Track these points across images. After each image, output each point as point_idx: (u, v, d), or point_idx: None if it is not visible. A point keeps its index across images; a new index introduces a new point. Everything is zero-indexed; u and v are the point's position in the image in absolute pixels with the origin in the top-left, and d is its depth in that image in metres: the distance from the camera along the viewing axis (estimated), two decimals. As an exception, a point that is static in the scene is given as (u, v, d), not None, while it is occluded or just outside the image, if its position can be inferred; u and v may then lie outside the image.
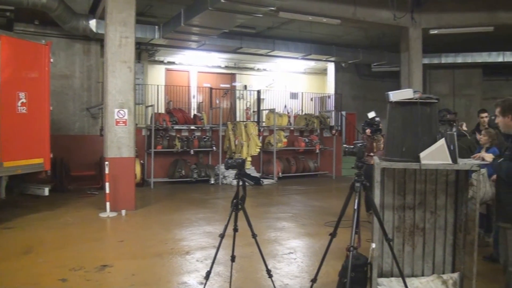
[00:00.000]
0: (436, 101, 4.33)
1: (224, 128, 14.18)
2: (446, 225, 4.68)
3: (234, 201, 4.28)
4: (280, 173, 14.61)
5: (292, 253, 6.33)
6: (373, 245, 4.11)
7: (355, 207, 3.77)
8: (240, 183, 4.29)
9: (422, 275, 4.68)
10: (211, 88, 15.96)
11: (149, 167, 12.88)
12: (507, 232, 3.98)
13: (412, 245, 4.69)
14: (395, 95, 4.26)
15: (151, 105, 13.28)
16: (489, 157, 4.20)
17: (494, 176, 4.34)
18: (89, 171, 12.14)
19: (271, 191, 12.55)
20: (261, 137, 14.67)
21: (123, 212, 8.77)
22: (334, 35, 15.81)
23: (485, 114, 7.46)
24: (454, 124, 8.24)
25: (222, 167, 13.37)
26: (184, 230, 7.62)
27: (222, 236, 4.28)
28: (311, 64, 18.76)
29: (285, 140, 14.98)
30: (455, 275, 4.52)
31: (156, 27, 13.02)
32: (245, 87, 18.47)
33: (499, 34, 14.52)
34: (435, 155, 4.12)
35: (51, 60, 9.04)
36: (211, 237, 7.02)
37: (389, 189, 4.65)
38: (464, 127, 7.55)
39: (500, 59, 17.41)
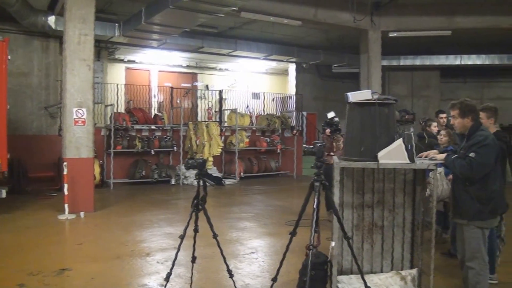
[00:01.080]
0: (394, 102, 4.42)
1: (185, 128, 14.05)
2: (404, 222, 4.79)
3: (195, 201, 4.24)
4: (242, 173, 14.61)
5: (253, 252, 6.33)
6: (333, 244, 4.16)
7: (315, 206, 3.81)
8: (201, 183, 4.26)
9: (381, 271, 4.77)
10: (172, 88, 15.79)
11: (109, 168, 12.62)
12: (463, 228, 4.14)
13: (371, 242, 4.78)
14: (353, 96, 4.34)
15: (111, 105, 13.01)
16: (440, 157, 4.35)
17: (451, 176, 4.48)
18: (48, 172, 11.80)
19: (233, 191, 12.53)
20: (223, 137, 14.62)
21: (82, 214, 8.56)
22: (296, 36, 15.94)
23: (444, 115, 7.67)
24: (421, 123, 8.42)
25: (183, 167, 13.25)
26: (145, 231, 7.50)
27: (182, 237, 4.24)
28: (273, 64, 18.85)
29: (247, 140, 14.99)
30: (414, 271, 4.64)
31: (116, 24, 12.76)
32: (207, 86, 18.36)
33: (457, 38, 15.04)
34: (393, 154, 4.21)
35: (9, 57, 8.70)
36: (172, 238, 6.94)
37: (348, 188, 4.73)
38: (433, 127, 7.72)
39: (457, 62, 18.01)
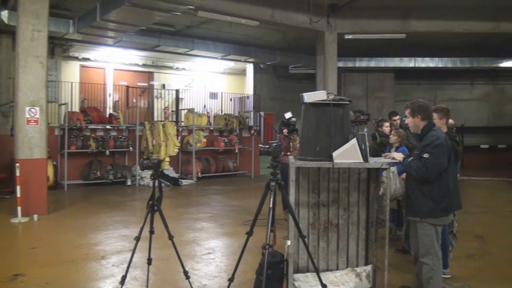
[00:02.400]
0: (348, 102, 4.51)
1: (141, 128, 13.83)
2: (358, 220, 4.89)
3: (150, 202, 4.19)
4: (199, 173, 14.52)
5: (210, 253, 6.31)
6: (289, 242, 4.20)
7: (270, 206, 3.83)
8: (157, 184, 4.20)
9: (337, 269, 4.85)
10: (127, 87, 15.50)
11: (63, 169, 12.24)
12: (416, 225, 4.25)
13: (327, 240, 4.85)
14: (309, 97, 4.39)
15: (65, 104, 12.63)
16: (399, 156, 4.44)
17: (404, 175, 4.60)
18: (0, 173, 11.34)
19: (190, 192, 12.44)
20: (179, 137, 14.48)
21: (35, 217, 8.27)
22: (253, 36, 15.99)
23: (397, 117, 7.88)
24: (374, 123, 8.59)
25: (139, 168, 13.02)
26: (100, 234, 7.33)
27: (137, 238, 4.17)
28: (231, 64, 18.84)
29: (204, 140, 14.91)
30: (368, 268, 4.74)
31: (71, 21, 12.39)
32: (164, 86, 18.14)
33: (411, 41, 15.50)
34: (347, 154, 4.29)
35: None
36: (127, 241, 6.81)
37: (304, 187, 4.78)
38: (385, 127, 7.88)
39: (411, 64, 18.55)
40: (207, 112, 16.81)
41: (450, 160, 4.21)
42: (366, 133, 4.36)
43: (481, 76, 21.00)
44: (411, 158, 4.25)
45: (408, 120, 4.35)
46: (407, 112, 4.35)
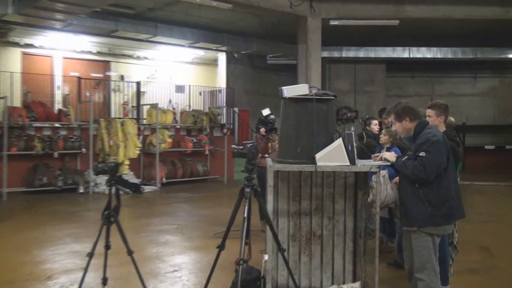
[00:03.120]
0: (333, 97, 4.59)
1: (96, 126, 13.70)
2: (345, 231, 4.98)
3: (106, 212, 4.18)
4: (164, 179, 14.46)
5: (176, 270, 6.31)
6: (266, 257, 4.25)
7: (245, 215, 3.87)
8: (114, 191, 4.20)
9: (321, 286, 4.93)
10: (80, 78, 15.32)
11: (1, 174, 12.04)
12: (411, 235, 4.27)
13: (309, 254, 4.92)
14: (288, 91, 4.45)
15: (3, 97, 12.43)
16: (391, 156, 4.47)
17: (396, 179, 4.67)
18: None
19: (153, 200, 12.39)
20: (141, 137, 14.40)
21: (-34, 230, 8.13)
22: (226, 21, 16.00)
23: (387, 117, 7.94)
24: (361, 122, 8.68)
25: (93, 172, 12.90)
26: (46, 250, 7.25)
27: (90, 255, 4.16)
28: (200, 53, 18.80)
29: (169, 140, 14.85)
30: (357, 285, 4.82)
31: (10, 0, 12.19)
32: (122, 77, 17.99)
33: (405, 28, 15.60)
34: (332, 156, 4.37)
35: None
36: (79, 257, 6.75)
37: (284, 194, 4.84)
38: (374, 125, 7.99)
39: (405, 55, 18.76)
40: (173, 108, 16.75)
41: (449, 161, 4.29)
42: (353, 133, 4.44)
43: (485, 68, 21.39)
44: (406, 157, 4.30)
45: (396, 126, 4.42)
46: (391, 118, 4.42)
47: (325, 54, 17.29)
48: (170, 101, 17.30)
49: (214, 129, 16.39)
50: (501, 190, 15.08)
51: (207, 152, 15.84)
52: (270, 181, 4.40)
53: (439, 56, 18.75)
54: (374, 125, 7.97)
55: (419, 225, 4.19)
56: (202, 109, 17.25)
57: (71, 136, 13.40)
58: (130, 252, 4.25)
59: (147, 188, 13.64)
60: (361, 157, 5.36)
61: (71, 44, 16.60)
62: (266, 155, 7.83)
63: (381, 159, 4.58)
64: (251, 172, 4.06)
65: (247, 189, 3.96)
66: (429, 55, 18.77)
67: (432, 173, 4.09)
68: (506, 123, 21.42)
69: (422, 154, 4.09)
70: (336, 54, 18.69)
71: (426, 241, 4.19)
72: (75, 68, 17.21)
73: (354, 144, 4.42)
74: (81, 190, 12.92)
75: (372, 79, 20.56)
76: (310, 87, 4.61)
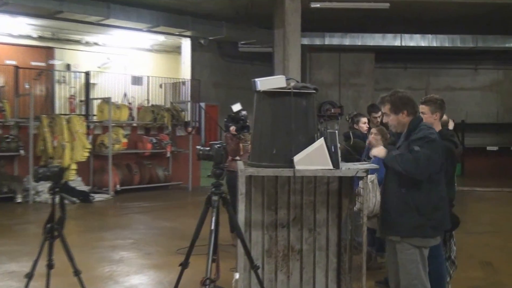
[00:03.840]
0: (314, 91, 4.61)
1: (37, 124, 13.51)
2: (328, 245, 5.01)
3: (48, 225, 4.13)
4: (118, 186, 14.35)
5: (132, 292, 6.28)
6: (237, 276, 4.25)
7: (212, 228, 3.87)
8: (58, 200, 4.15)
9: (300, 309, 4.96)
10: (17, 67, 15.10)
11: None
12: (396, 247, 4.31)
13: (287, 271, 4.94)
14: (263, 83, 4.46)
15: None
16: (380, 152, 4.48)
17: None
18: None
19: (105, 210, 12.32)
20: (90, 137, 14.27)
21: None
22: (190, 2, 15.93)
23: (378, 114, 7.97)
24: (348, 119, 8.70)
25: (33, 179, 12.72)
26: (-24, 270, 7.13)
27: (30, 276, 4.10)
28: (161, 39, 18.71)
29: (124, 140, 14.74)
30: (340, 306, 4.86)
31: None
32: (68, 66, 17.80)
33: (396, 12, 15.71)
34: (313, 158, 4.39)
35: None
36: (15, 279, 6.64)
37: (257, 202, 4.85)
38: (363, 124, 8.03)
39: (396, 43, 18.94)
40: (129, 103, 16.63)
41: (443, 166, 4.35)
42: (337, 131, 4.46)
43: (488, 59, 21.75)
44: (398, 152, 4.32)
45: (390, 118, 4.43)
46: (386, 108, 4.43)
47: (306, 41, 17.36)
48: (125, 95, 17.17)
49: (177, 127, 16.32)
50: (505, 197, 15.32)
51: (168, 155, 15.77)
52: (241, 187, 4.39)
53: (435, 44, 18.94)
54: (363, 124, 8.02)
55: (404, 234, 4.23)
56: (163, 104, 17.15)
57: (6, 135, 13.19)
58: (77, 272, 4.21)
59: (97, 197, 13.51)
60: (346, 159, 5.39)
61: (6, 27, 16.34)
62: (237, 158, 7.85)
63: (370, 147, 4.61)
64: (219, 177, 4.06)
65: (215, 197, 3.95)
66: (423, 44, 18.95)
67: (426, 170, 4.13)
68: (510, 121, 21.78)
69: (417, 148, 4.13)
70: (318, 42, 18.76)
71: (413, 254, 4.21)
72: (12, 55, 16.95)
73: (338, 144, 4.44)
74: (19, 200, 12.73)
75: (359, 70, 20.71)
76: (287, 79, 4.62)
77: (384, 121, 4.60)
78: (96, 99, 15.85)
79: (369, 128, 7.76)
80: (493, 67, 22.22)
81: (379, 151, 4.50)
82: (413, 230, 4.21)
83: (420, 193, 4.20)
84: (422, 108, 4.99)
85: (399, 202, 4.26)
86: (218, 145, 4.26)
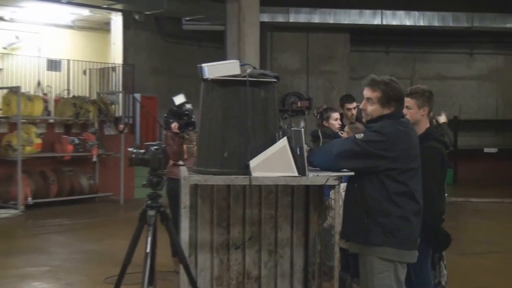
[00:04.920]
0: (275, 80, 4.61)
1: None
2: (292, 270, 5.03)
3: None
4: (29, 198, 14.15)
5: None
6: (179, 310, 4.23)
7: (148, 250, 3.84)
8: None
9: None
10: None
11: None
12: (365, 260, 4.33)
13: (242, 304, 4.95)
14: (212, 70, 4.44)
15: None
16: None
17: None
18: None
19: (12, 230, 12.17)
20: (-6, 137, 14.08)
21: None
22: (122, -34, 15.86)
23: (353, 105, 8.03)
24: (316, 115, 8.72)
25: None
26: None
27: None
28: (84, 13, 18.52)
29: (38, 141, 14.55)
30: None
31: None
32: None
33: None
34: (274, 163, 4.39)
35: None
36: None
37: (205, 218, 4.83)
38: (334, 120, 8.07)
39: (376, 21, 19.24)
40: (44, 94, 16.41)
41: (416, 173, 4.40)
42: (303, 129, 4.47)
43: (486, 42, 22.18)
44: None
45: (372, 108, 4.46)
46: (374, 95, 4.42)
47: (266, 17, 17.41)
48: (39, 84, 16.97)
49: (106, 124, 16.17)
50: (506, 209, 15.51)
51: (95, 159, 15.60)
52: (185, 199, 4.36)
53: (422, 23, 19.20)
54: (335, 120, 8.07)
55: (363, 240, 4.30)
56: (87, 95, 16.98)
57: None
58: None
59: (1, 213, 13.31)
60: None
61: None
62: (180, 162, 7.82)
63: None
64: (156, 187, 4.02)
65: (151, 212, 3.92)
66: (408, 22, 19.20)
67: (342, 160, 4.31)
68: (512, 118, 22.28)
69: (358, 136, 4.32)
70: (281, 18, 18.82)
71: (385, 268, 4.27)
72: None
73: (305, 146, 4.45)
74: None
75: (332, 54, 20.83)
76: (242, 65, 4.61)
77: (361, 106, 4.61)
78: (2, 88, 15.60)
79: (342, 125, 7.82)
80: (491, 51, 22.63)
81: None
82: (375, 237, 4.26)
83: (371, 188, 4.29)
84: (408, 102, 5.03)
85: (349, 198, 4.42)
86: (156, 147, 4.22)
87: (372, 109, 4.46)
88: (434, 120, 6.13)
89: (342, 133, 7.10)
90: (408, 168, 4.27)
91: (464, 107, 21.54)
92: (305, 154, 4.43)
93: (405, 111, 4.86)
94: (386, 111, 4.40)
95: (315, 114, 8.89)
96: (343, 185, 4.67)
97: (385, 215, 4.25)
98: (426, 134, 4.84)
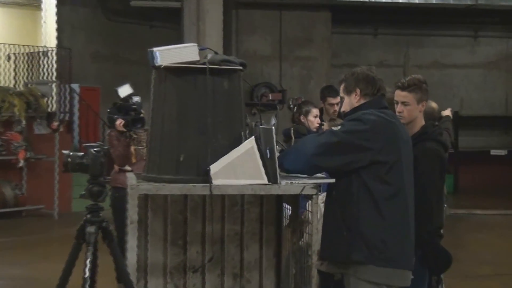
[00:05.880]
0: (241, 68, 4.61)
1: None
2: (261, 297, 5.04)
3: None
4: None
5: None
6: None
7: (86, 275, 3.82)
8: None
9: None
10: None
11: None
12: (350, 281, 4.37)
13: None
14: (165, 55, 4.42)
15: None
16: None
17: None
18: None
19: None
20: None
21: None
22: None
23: (336, 100, 8.04)
24: (292, 107, 8.70)
25: None
26: None
27: None
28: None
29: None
30: None
31: None
32: None
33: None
34: (239, 168, 4.38)
35: None
36: None
37: (157, 235, 4.82)
38: (313, 117, 8.09)
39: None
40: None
41: (406, 171, 4.42)
42: (274, 127, 4.47)
43: (493, 23, 22.35)
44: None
45: (344, 104, 4.61)
46: (341, 89, 4.59)
47: (231, -8, 17.43)
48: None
49: (36, 121, 16.06)
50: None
51: (21, 164, 15.49)
52: (132, 213, 4.34)
53: (417, 0, 19.31)
54: (314, 117, 8.09)
55: (344, 257, 4.32)
56: (13, 85, 16.86)
57: None
58: None
59: None
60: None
61: None
62: (127, 168, 7.80)
63: None
64: (98, 198, 4.00)
65: (91, 229, 3.89)
66: (401, -1, 19.39)
67: (317, 157, 4.32)
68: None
69: (336, 128, 4.40)
70: (248, -7, 18.87)
71: None
72: None
73: (277, 147, 4.45)
74: None
75: (309, 36, 20.82)
76: (202, 49, 4.62)
77: (342, 109, 4.67)
78: None
79: (321, 124, 7.85)
80: (499, 34, 22.82)
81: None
82: (342, 251, 4.31)
83: (352, 193, 4.31)
84: (404, 96, 5.04)
85: (328, 209, 4.48)
86: (97, 149, 4.19)
87: (344, 103, 4.55)
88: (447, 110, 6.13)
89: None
90: (395, 162, 4.29)
91: (467, 101, 21.69)
92: (277, 157, 4.44)
93: (400, 108, 4.90)
94: (358, 99, 4.48)
95: (291, 106, 8.87)
96: (322, 196, 4.69)
97: (368, 225, 4.27)
98: (421, 133, 4.87)
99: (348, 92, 4.53)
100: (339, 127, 4.31)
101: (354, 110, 4.45)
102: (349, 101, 4.53)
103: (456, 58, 22.50)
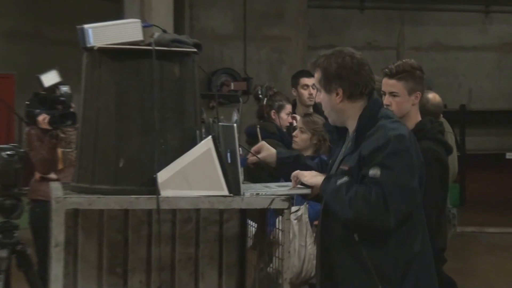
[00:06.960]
0: (195, 50, 4.60)
1: None
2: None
3: None
4: None
5: None
6: None
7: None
8: None
9: None
10: None
11: None
12: None
13: None
14: (99, 33, 4.40)
15: None
16: (312, 177, 4.55)
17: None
18: None
19: None
20: None
21: None
22: None
23: (311, 81, 7.98)
24: (261, 97, 8.66)
25: None
26: None
27: None
28: None
29: None
30: None
31: None
32: None
33: None
34: (193, 176, 4.38)
35: None
36: None
37: (90, 261, 4.78)
38: (286, 114, 8.08)
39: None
40: None
41: (422, 186, 4.41)
42: (236, 124, 4.46)
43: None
44: (343, 177, 4.34)
45: (320, 97, 4.57)
46: (316, 78, 4.53)
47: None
48: None
49: None
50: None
51: None
52: (57, 233, 4.30)
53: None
54: (286, 114, 8.10)
55: None
56: None
57: None
58: None
59: None
60: (253, 177, 5.42)
61: None
62: (52, 175, 7.76)
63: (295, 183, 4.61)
64: (11, 214, 3.97)
65: (1, 253, 3.86)
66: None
67: (398, 211, 4.18)
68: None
69: (374, 171, 4.16)
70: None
71: None
72: None
73: (239, 149, 4.44)
74: None
75: (281, 11, 20.83)
76: (146, 26, 4.59)
77: (316, 100, 4.65)
78: None
79: (293, 122, 7.87)
80: (515, 10, 22.99)
81: (310, 176, 4.55)
82: None
83: (382, 242, 4.30)
84: (392, 85, 5.05)
85: (348, 258, 4.36)
86: (9, 152, 4.16)
87: (320, 98, 4.53)
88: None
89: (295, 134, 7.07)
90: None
91: (476, 91, 21.81)
92: (239, 161, 4.42)
93: (387, 100, 4.90)
94: (335, 99, 4.41)
95: (260, 96, 8.73)
96: (295, 209, 4.68)
97: (403, 275, 4.28)
98: (416, 130, 4.87)
99: (327, 90, 4.44)
100: (379, 169, 4.13)
101: (365, 121, 4.34)
102: (329, 100, 4.45)
103: (462, 39, 22.53)
